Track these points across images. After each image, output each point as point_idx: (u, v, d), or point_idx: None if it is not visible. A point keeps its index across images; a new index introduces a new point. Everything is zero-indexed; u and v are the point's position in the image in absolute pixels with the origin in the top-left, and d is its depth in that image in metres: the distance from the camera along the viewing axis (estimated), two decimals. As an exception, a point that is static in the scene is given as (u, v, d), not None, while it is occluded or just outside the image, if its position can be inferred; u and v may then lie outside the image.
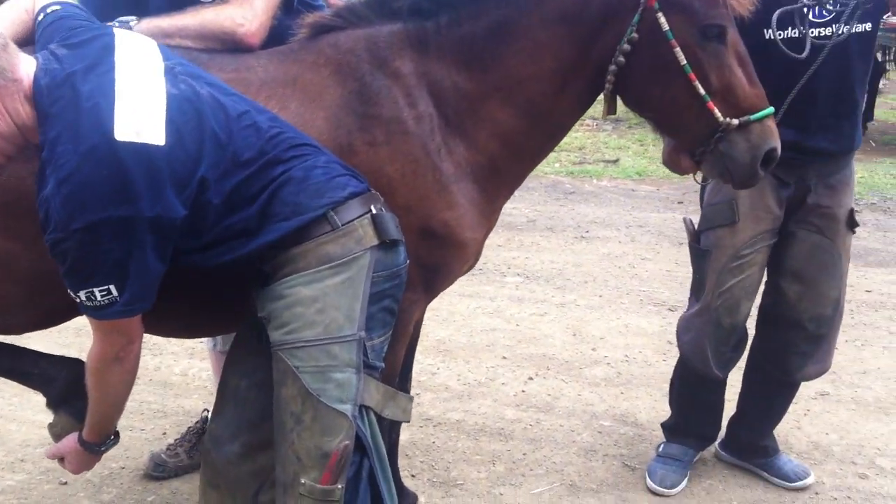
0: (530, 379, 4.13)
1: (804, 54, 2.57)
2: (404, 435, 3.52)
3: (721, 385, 3.26)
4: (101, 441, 2.13)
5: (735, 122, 2.24)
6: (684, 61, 2.20)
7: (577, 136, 9.24)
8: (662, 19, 2.19)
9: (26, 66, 1.83)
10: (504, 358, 4.37)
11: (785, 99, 2.75)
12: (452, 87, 2.31)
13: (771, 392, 3.30)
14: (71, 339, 4.23)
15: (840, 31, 2.73)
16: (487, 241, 6.07)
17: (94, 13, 2.44)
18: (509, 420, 3.77)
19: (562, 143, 8.49)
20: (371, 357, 2.00)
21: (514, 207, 6.85)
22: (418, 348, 4.33)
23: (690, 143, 2.34)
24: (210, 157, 1.86)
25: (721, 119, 2.24)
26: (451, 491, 3.25)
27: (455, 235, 2.32)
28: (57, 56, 1.86)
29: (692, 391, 3.31)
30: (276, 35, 2.48)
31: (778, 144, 2.31)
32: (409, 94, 2.28)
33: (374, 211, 1.98)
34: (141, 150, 1.75)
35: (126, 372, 2.00)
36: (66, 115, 1.76)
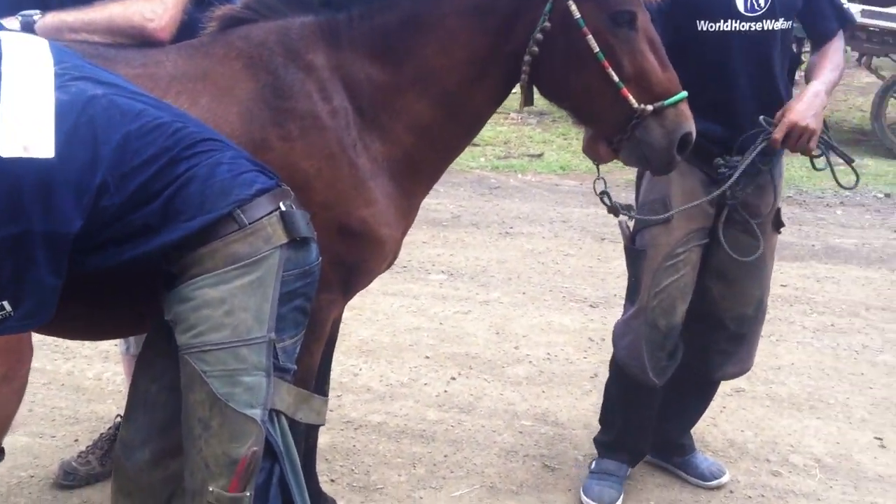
0: (453, 379, 4.12)
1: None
2: (324, 438, 3.47)
3: (655, 395, 3.17)
4: None
5: (650, 107, 2.26)
6: (597, 48, 2.21)
7: (501, 129, 9.26)
8: (573, 7, 2.20)
9: None
10: (427, 357, 4.36)
11: (711, 92, 2.76)
12: (366, 79, 2.27)
13: (690, 391, 3.31)
14: None
15: (770, 27, 2.79)
16: (411, 238, 6.04)
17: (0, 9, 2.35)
18: (431, 421, 3.76)
19: (486, 137, 8.49)
20: (282, 359, 1.95)
21: (439, 203, 6.83)
22: (340, 348, 4.30)
23: (607, 130, 2.35)
24: (107, 160, 1.78)
25: (636, 105, 2.25)
26: (371, 496, 3.23)
27: (373, 233, 2.28)
28: None
29: (628, 403, 3.22)
30: (187, 29, 2.41)
31: (693, 129, 2.34)
32: (323, 88, 2.24)
33: (283, 208, 1.93)
34: (29, 166, 1.68)
35: (14, 392, 1.94)
36: None
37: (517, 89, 2.38)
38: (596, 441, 3.39)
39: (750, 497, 3.29)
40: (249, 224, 1.88)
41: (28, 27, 2.28)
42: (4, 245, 1.66)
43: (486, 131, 9.06)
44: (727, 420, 3.82)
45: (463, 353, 4.40)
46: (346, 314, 4.61)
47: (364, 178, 2.26)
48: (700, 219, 2.94)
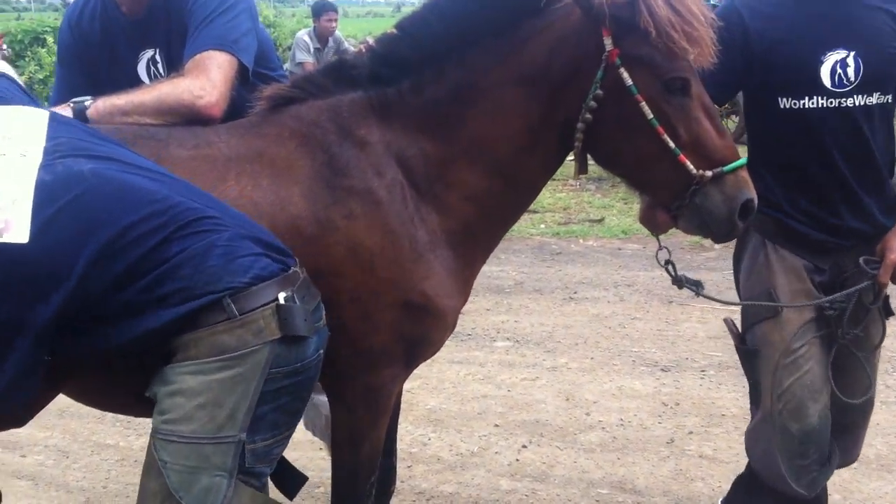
0: (524, 447, 4.03)
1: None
2: (396, 510, 3.42)
3: None
4: None
5: (709, 173, 2.22)
6: (650, 115, 2.18)
7: (560, 196, 9.24)
8: (625, 74, 2.17)
9: None
10: (496, 426, 4.28)
11: (801, 170, 2.61)
12: (420, 152, 2.28)
13: None
14: (54, 420, 4.13)
15: (863, 103, 2.55)
16: (475, 306, 6.01)
17: (60, 97, 2.41)
18: (504, 491, 3.67)
19: (546, 203, 8.46)
20: (249, 461, 1.81)
21: (502, 270, 6.81)
22: (408, 418, 4.27)
23: (665, 198, 2.31)
24: (92, 244, 1.69)
25: (694, 171, 2.21)
26: (447, 568, 3.14)
27: (435, 306, 2.26)
28: None
29: None
30: (234, 107, 2.43)
31: (754, 195, 2.27)
32: (378, 163, 2.24)
33: (281, 300, 1.80)
34: (2, 251, 1.60)
35: None
36: None
37: (573, 156, 2.36)
38: None
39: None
40: (240, 315, 1.76)
41: (80, 113, 2.30)
42: None
43: (546, 198, 9.06)
44: (813, 484, 3.66)
45: (533, 421, 4.32)
46: (413, 384, 4.61)
47: (424, 251, 2.25)
48: (811, 308, 2.66)
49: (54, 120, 1.84)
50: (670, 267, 2.52)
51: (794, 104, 2.55)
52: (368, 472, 2.39)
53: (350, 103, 2.29)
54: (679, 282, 2.53)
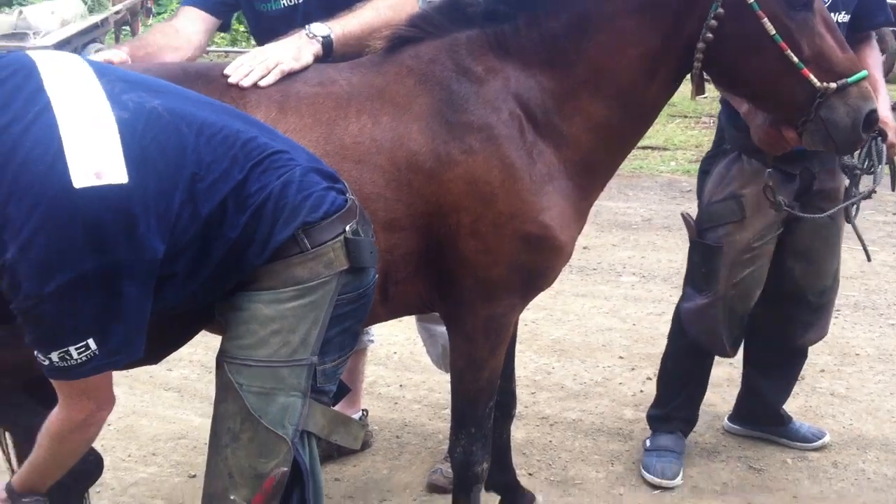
0: (648, 379, 4.03)
1: None
2: (520, 433, 3.50)
3: (709, 367, 3.39)
4: (26, 494, 1.93)
5: (833, 85, 2.21)
6: (773, 31, 2.16)
7: (692, 133, 9.01)
8: None
9: None
10: (621, 357, 4.30)
11: None
12: (537, 86, 2.29)
13: (782, 362, 3.42)
14: (198, 338, 4.37)
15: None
16: (601, 241, 6.00)
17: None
18: (628, 420, 3.70)
19: (677, 141, 8.27)
20: (320, 381, 1.90)
21: (629, 206, 6.73)
22: (533, 347, 4.35)
23: (789, 113, 2.32)
24: (182, 181, 1.70)
25: (818, 84, 2.20)
26: (570, 490, 3.21)
27: (553, 237, 2.29)
28: None
29: (690, 378, 3.36)
30: None
31: (876, 106, 2.29)
32: (496, 98, 2.26)
33: (348, 233, 1.87)
34: (105, 195, 1.59)
35: (86, 440, 1.87)
36: (11, 171, 1.58)
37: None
38: (648, 416, 3.46)
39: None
40: (312, 249, 1.82)
41: (328, 46, 2.39)
42: (89, 281, 1.60)
43: (677, 135, 8.88)
44: None
45: (658, 354, 4.24)
46: (537, 315, 4.67)
47: (542, 183, 2.27)
48: (774, 215, 2.96)
49: (87, 60, 1.83)
50: (769, 192, 2.68)
51: None
52: (488, 397, 2.47)
53: (467, 40, 2.32)
54: (778, 206, 2.71)
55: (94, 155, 1.61)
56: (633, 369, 4.17)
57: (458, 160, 2.21)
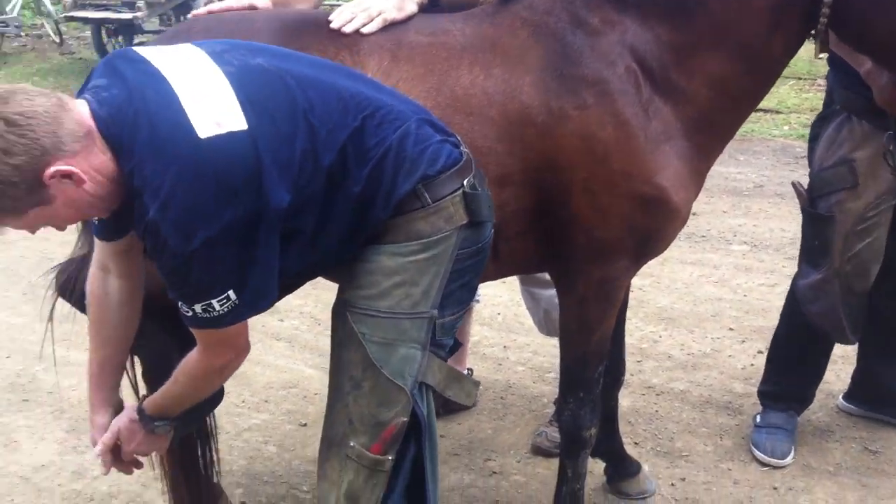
0: (759, 353, 3.94)
1: None
2: (626, 401, 3.48)
3: (829, 351, 3.25)
4: (157, 417, 2.01)
5: None
6: None
7: (807, 96, 8.67)
8: None
9: (84, 113, 1.67)
10: (731, 329, 4.21)
11: None
12: (655, 39, 2.20)
13: None
14: (308, 289, 4.46)
15: None
16: (711, 207, 5.85)
17: None
18: (737, 394, 3.64)
19: (791, 104, 7.94)
20: (439, 334, 1.93)
21: (740, 172, 6.54)
22: (639, 314, 4.29)
23: None
24: (299, 128, 1.73)
25: None
26: (677, 462, 3.19)
27: (669, 199, 2.23)
28: (100, 87, 1.72)
29: (806, 357, 3.23)
30: None
31: None
32: (612, 52, 2.19)
33: (466, 187, 1.88)
34: (230, 141, 1.65)
35: (222, 382, 1.97)
36: (142, 136, 1.64)
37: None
38: (760, 392, 3.36)
39: None
40: (433, 203, 1.84)
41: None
42: (228, 232, 1.64)
43: (791, 98, 8.56)
44: None
45: (770, 328, 4.13)
46: (644, 281, 4.60)
47: (658, 141, 2.20)
48: (890, 180, 2.83)
49: (191, 41, 1.89)
50: (888, 155, 2.66)
51: None
52: (597, 361, 2.45)
53: None
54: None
55: (212, 106, 1.67)
56: (743, 342, 4.08)
57: (571, 115, 2.15)
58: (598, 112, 2.16)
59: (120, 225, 1.88)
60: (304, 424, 3.45)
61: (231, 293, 1.70)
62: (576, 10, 2.23)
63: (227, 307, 1.71)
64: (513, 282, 3.45)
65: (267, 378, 3.82)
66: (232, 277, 1.69)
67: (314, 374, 3.82)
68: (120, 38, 11.16)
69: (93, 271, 2.04)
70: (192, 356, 1.87)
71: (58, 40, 12.60)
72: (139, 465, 2.17)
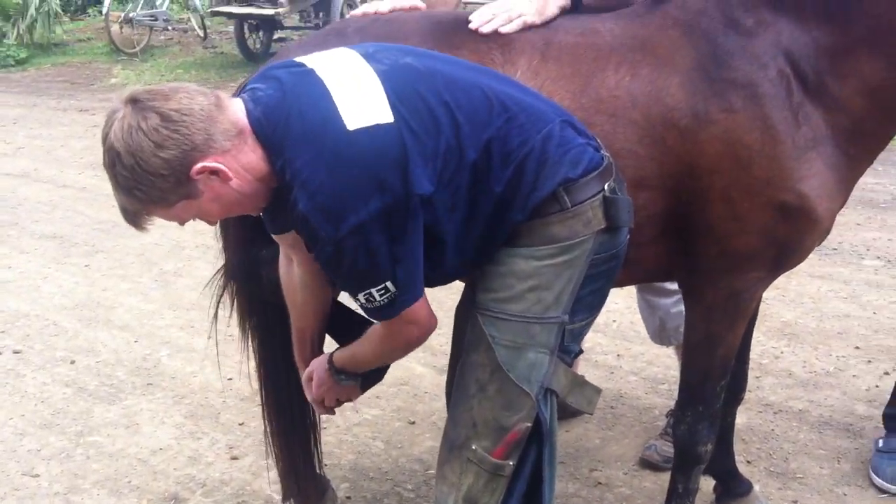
0: (886, 374, 3.78)
1: None
2: (741, 418, 3.37)
3: None
4: (344, 371, 2.11)
5: None
6: None
7: (959, 103, 8.21)
8: None
9: (239, 112, 1.77)
10: (857, 348, 4.04)
11: None
12: (811, 42, 2.13)
13: None
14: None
15: None
16: (843, 219, 5.61)
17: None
18: (859, 416, 3.49)
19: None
20: (567, 340, 1.91)
21: (878, 182, 6.24)
22: (761, 328, 4.17)
23: None
24: (444, 124, 1.77)
25: None
26: (790, 484, 3.09)
27: (812, 209, 2.15)
28: (256, 87, 1.82)
29: None
30: None
31: None
32: (764, 54, 2.13)
33: (606, 191, 1.86)
34: (377, 133, 1.70)
35: (405, 354, 2.01)
36: (293, 131, 1.72)
37: None
38: (886, 416, 3.19)
39: None
40: (571, 207, 1.82)
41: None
42: (376, 220, 1.69)
43: (939, 105, 8.09)
44: None
45: (900, 348, 4.03)
46: (768, 293, 4.46)
47: (806, 148, 2.13)
48: None
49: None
50: None
51: None
52: (721, 375, 2.39)
53: None
54: None
55: (361, 100, 1.73)
56: (869, 362, 3.91)
57: (717, 119, 2.11)
58: (746, 116, 2.11)
59: (278, 221, 2.00)
60: (413, 422, 3.51)
61: (388, 284, 1.76)
62: (730, 10, 2.18)
63: (388, 298, 1.77)
64: (629, 289, 3.41)
65: (380, 374, 3.90)
66: (386, 267, 1.74)
67: (425, 373, 3.88)
68: (261, 34, 11.59)
69: (280, 259, 2.20)
70: (378, 329, 1.94)
71: (202, 34, 13.15)
72: (331, 412, 2.28)
